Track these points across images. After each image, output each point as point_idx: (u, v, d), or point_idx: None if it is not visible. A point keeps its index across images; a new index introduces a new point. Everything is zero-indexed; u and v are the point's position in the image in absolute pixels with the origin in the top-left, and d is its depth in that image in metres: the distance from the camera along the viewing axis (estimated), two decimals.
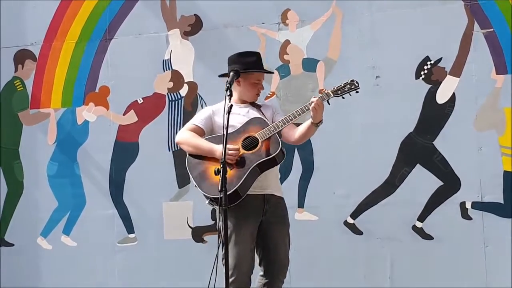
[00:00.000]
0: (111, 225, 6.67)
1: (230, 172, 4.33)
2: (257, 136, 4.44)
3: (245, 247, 4.46)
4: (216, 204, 4.28)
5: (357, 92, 4.53)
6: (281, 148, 4.43)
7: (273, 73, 4.69)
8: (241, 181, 4.36)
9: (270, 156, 4.41)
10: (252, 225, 4.49)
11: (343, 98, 4.54)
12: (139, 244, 6.62)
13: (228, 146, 4.32)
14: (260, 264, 4.61)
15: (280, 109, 4.90)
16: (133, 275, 6.59)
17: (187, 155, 4.58)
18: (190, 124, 4.66)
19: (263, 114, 4.62)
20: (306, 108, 4.43)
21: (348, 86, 4.51)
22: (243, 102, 4.66)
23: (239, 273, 4.43)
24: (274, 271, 4.57)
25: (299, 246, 6.20)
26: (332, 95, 4.46)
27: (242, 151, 4.43)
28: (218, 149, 4.39)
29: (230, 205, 4.28)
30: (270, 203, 4.55)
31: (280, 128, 4.46)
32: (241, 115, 4.57)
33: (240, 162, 4.41)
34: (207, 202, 4.49)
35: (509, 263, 5.87)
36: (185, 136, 4.58)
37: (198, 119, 4.66)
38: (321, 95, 4.45)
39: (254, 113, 4.61)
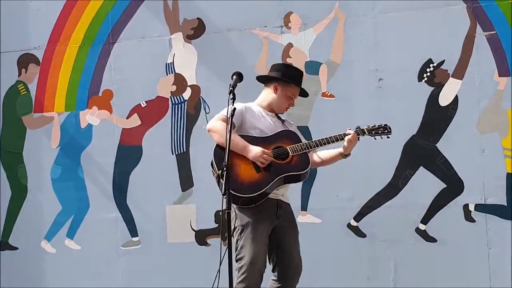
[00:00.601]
0: (115, 229, 6.68)
1: (257, 175, 4.45)
2: (288, 149, 4.54)
3: (261, 245, 4.52)
4: (233, 198, 4.32)
5: (388, 137, 4.77)
6: (309, 168, 4.58)
7: (306, 96, 4.81)
8: (268, 186, 4.47)
9: (299, 172, 4.55)
10: (267, 226, 4.56)
11: (375, 139, 4.75)
12: (143, 247, 6.63)
13: (262, 149, 4.45)
14: (273, 270, 4.65)
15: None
16: (137, 278, 6.60)
17: (216, 145, 4.56)
18: (222, 115, 4.58)
19: (285, 125, 4.73)
20: (341, 137, 4.61)
21: (381, 129, 4.73)
22: (270, 110, 4.72)
23: (254, 270, 4.47)
24: (289, 275, 4.61)
25: (303, 249, 6.18)
26: (366, 133, 4.67)
27: (272, 158, 4.53)
28: (252, 150, 4.47)
29: (250, 205, 4.45)
30: (282, 208, 4.66)
31: (312, 149, 4.61)
32: (268, 121, 4.66)
33: (268, 168, 4.50)
34: (223, 195, 4.42)
35: None
36: (219, 127, 4.53)
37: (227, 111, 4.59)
38: (356, 129, 4.64)
39: (279, 125, 4.70)
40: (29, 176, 6.89)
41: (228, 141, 4.25)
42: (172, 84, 6.64)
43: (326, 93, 6.29)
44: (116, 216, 6.68)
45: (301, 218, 6.27)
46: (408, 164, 6.11)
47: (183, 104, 6.60)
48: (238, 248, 4.50)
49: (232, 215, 4.48)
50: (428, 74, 6.10)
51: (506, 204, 5.91)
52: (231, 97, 4.33)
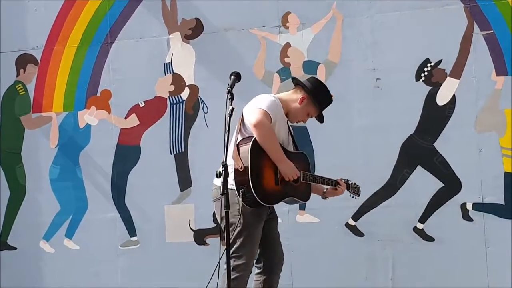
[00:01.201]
0: (113, 228, 6.68)
1: (275, 187, 4.51)
2: (300, 175, 4.60)
3: (258, 245, 4.59)
4: (247, 199, 4.40)
5: (355, 198, 5.19)
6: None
7: (321, 122, 4.83)
8: (277, 203, 4.60)
9: (302, 202, 4.78)
10: (262, 227, 4.61)
11: (349, 195, 5.08)
12: (141, 247, 6.63)
13: (294, 167, 4.52)
14: (258, 262, 4.68)
15: None
16: (136, 278, 6.60)
17: (254, 140, 4.45)
18: (263, 110, 4.46)
19: (291, 132, 4.80)
20: (334, 183, 4.87)
21: (357, 190, 5.10)
22: (286, 114, 4.70)
23: (248, 271, 4.53)
24: (273, 263, 4.67)
25: (301, 248, 6.24)
26: (349, 189, 5.02)
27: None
28: (288, 164, 4.50)
29: (253, 207, 4.48)
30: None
31: (316, 182, 4.77)
32: (284, 124, 4.67)
33: (285, 184, 4.55)
34: (241, 192, 4.43)
35: (510, 264, 5.88)
36: (268, 125, 4.44)
37: (270, 107, 4.51)
38: (345, 182, 4.95)
39: (288, 131, 4.75)
40: (27, 176, 6.89)
41: (226, 140, 4.24)
42: (170, 84, 6.65)
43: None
44: (115, 216, 6.69)
45: (299, 218, 6.28)
46: (406, 164, 6.12)
47: (181, 104, 6.61)
48: (237, 246, 4.49)
49: (235, 211, 4.46)
50: (426, 73, 6.11)
51: (503, 203, 5.93)
52: (229, 97, 4.31)
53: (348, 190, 4.97)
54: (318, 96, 4.69)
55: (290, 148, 4.76)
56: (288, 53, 6.38)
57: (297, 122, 4.81)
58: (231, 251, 4.41)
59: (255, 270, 4.71)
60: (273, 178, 4.51)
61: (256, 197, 4.38)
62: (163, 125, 6.62)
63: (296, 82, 4.81)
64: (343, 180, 4.92)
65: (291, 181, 4.55)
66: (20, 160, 6.91)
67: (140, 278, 6.58)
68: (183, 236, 6.53)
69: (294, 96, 4.72)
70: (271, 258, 4.68)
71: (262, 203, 4.43)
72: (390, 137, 6.12)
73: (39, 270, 6.81)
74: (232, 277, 4.36)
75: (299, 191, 4.65)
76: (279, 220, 6.16)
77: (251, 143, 4.45)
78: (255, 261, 4.65)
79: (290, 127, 4.83)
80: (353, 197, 5.11)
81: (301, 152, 4.81)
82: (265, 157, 4.45)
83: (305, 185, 4.68)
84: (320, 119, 4.81)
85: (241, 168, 4.43)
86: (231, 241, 4.39)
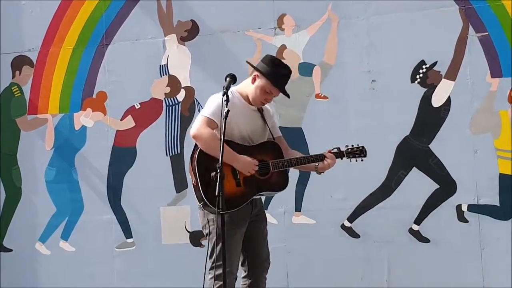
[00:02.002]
0: (109, 230, 6.68)
1: (237, 189, 4.37)
2: (270, 165, 4.46)
3: (238, 251, 4.47)
4: (209, 209, 4.33)
5: (362, 160, 4.70)
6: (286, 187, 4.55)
7: (288, 97, 4.60)
8: (245, 204, 4.41)
9: (277, 192, 4.59)
10: (243, 229, 4.49)
11: (350, 161, 4.68)
12: (137, 249, 6.63)
13: (251, 160, 4.37)
14: (243, 264, 4.60)
15: (275, 113, 4.86)
16: (132, 280, 6.60)
17: (199, 150, 4.41)
18: (204, 117, 4.42)
19: (264, 120, 4.59)
20: (321, 158, 4.54)
21: (359, 151, 4.68)
22: (248, 100, 4.55)
23: (231, 278, 4.40)
24: (257, 266, 4.56)
25: (297, 249, 6.24)
26: (345, 156, 4.63)
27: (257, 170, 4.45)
28: (241, 160, 4.37)
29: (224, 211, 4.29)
30: (257, 205, 4.59)
31: (291, 167, 4.53)
32: (246, 116, 4.49)
33: (248, 182, 4.42)
34: (200, 204, 4.44)
35: (505, 265, 5.89)
36: (206, 134, 4.36)
37: (212, 111, 4.42)
38: (335, 151, 4.59)
39: (258, 120, 4.56)
40: (23, 178, 6.88)
41: (222, 146, 4.15)
42: (166, 86, 6.65)
43: (320, 94, 6.31)
44: (111, 217, 6.68)
45: (295, 219, 6.29)
46: (401, 165, 6.13)
47: (177, 106, 6.61)
48: (216, 255, 4.40)
49: (209, 222, 4.43)
50: (421, 75, 6.12)
51: (499, 205, 5.94)
52: (225, 98, 4.28)
53: (345, 158, 4.65)
54: (268, 69, 4.48)
55: (264, 137, 4.58)
56: (283, 54, 6.38)
57: (262, 104, 4.57)
58: (211, 260, 4.39)
59: (242, 273, 4.64)
60: (233, 180, 4.38)
61: (217, 209, 4.20)
62: (159, 127, 6.62)
63: (247, 63, 4.69)
64: (333, 151, 4.61)
65: (258, 176, 4.42)
66: (15, 162, 6.90)
67: (136, 280, 6.58)
68: (179, 238, 6.54)
69: (248, 79, 4.57)
70: (254, 260, 4.57)
71: (228, 211, 4.29)
72: (385, 138, 6.13)
73: (35, 272, 6.80)
74: (215, 287, 4.34)
75: (273, 183, 4.48)
76: (275, 222, 6.22)
77: (196, 155, 4.40)
78: (240, 263, 4.58)
79: (266, 115, 4.62)
80: (360, 160, 4.69)
81: (269, 141, 4.57)
82: (214, 162, 4.22)
83: (279, 175, 4.49)
84: (285, 94, 4.57)
85: (194, 182, 4.41)
86: (210, 251, 4.39)
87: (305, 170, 4.73)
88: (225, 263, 4.19)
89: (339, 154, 4.61)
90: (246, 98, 4.55)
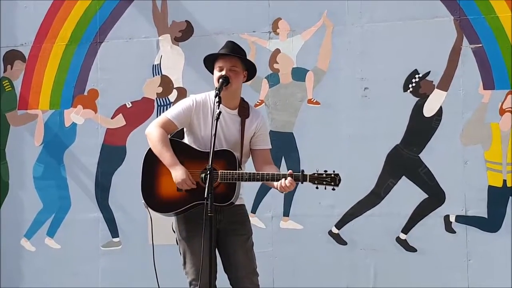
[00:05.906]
0: (96, 229, 6.65)
1: (177, 194, 4.26)
2: (218, 174, 4.20)
3: (205, 258, 4.21)
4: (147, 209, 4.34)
5: (333, 189, 4.26)
6: (232, 201, 4.26)
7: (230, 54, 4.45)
8: (181, 210, 4.31)
9: (219, 205, 4.22)
10: (205, 235, 4.18)
11: (316, 188, 4.25)
12: (123, 248, 6.60)
13: (186, 175, 4.19)
14: (225, 272, 4.47)
15: (266, 126, 4.56)
16: (117, 279, 6.57)
17: (148, 149, 4.35)
18: (164, 117, 4.36)
19: (242, 128, 4.39)
20: (278, 178, 4.21)
21: (329, 179, 4.25)
22: (232, 107, 4.42)
23: (203, 284, 4.23)
24: (238, 279, 4.39)
25: (284, 255, 6.24)
26: (307, 180, 4.22)
27: (198, 180, 4.25)
28: (177, 172, 4.21)
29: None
30: (224, 212, 4.35)
31: (242, 181, 4.24)
32: (221, 122, 4.28)
33: (191, 190, 4.25)
34: (143, 202, 4.38)
35: (491, 277, 5.90)
36: (154, 134, 4.29)
37: (175, 113, 4.36)
38: (298, 174, 4.21)
39: (233, 124, 4.39)
40: (11, 173, 6.85)
41: (212, 143, 4.09)
42: (158, 86, 6.63)
43: (312, 100, 6.31)
44: (98, 216, 6.66)
45: (283, 224, 6.29)
46: (391, 174, 6.13)
47: (168, 106, 6.59)
48: (183, 263, 4.39)
49: (173, 228, 4.41)
50: (414, 84, 6.13)
51: (486, 217, 5.95)
52: (217, 100, 4.25)
53: (312, 183, 4.23)
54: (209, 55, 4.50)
55: (236, 143, 4.36)
56: (277, 59, 6.38)
57: (218, 79, 4.37)
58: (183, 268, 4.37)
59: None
60: (174, 185, 4.27)
61: (150, 208, 4.20)
62: None
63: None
64: (295, 174, 4.20)
65: (202, 184, 4.19)
66: (4, 156, 6.86)
67: (121, 280, 6.55)
68: (166, 238, 6.49)
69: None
70: (233, 273, 4.39)
71: (163, 214, 4.27)
72: (376, 146, 6.14)
73: (19, 268, 6.77)
74: None
75: (216, 195, 4.14)
76: (262, 226, 6.20)
77: (146, 152, 4.34)
78: (208, 275, 4.25)
79: (248, 123, 4.41)
80: (332, 189, 4.25)
81: (224, 150, 4.30)
82: (162, 164, 4.22)
83: (225, 187, 4.24)
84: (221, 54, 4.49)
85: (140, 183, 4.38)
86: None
87: (267, 184, 4.43)
88: (190, 271, 4.30)
89: (300, 178, 4.21)
90: (224, 103, 4.36)
